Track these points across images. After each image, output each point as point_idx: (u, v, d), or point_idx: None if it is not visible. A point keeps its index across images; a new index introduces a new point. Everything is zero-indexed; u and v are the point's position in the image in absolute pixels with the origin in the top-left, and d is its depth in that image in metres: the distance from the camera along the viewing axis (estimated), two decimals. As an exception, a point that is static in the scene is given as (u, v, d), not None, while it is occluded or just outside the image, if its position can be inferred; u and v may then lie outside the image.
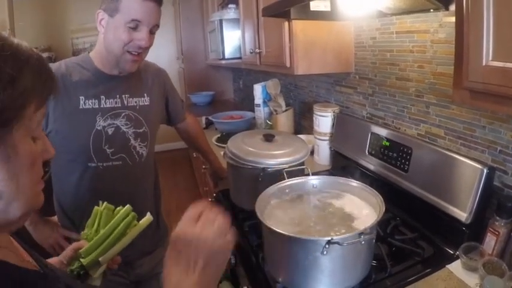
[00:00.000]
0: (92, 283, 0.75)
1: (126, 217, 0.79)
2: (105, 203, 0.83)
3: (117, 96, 1.14)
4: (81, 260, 0.74)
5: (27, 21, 4.38)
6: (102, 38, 1.08)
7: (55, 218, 1.22)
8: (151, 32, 1.08)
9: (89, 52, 1.16)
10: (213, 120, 2.56)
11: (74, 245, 0.81)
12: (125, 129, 1.16)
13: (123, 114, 1.15)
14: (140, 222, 0.81)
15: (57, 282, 0.57)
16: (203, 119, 2.79)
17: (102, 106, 1.12)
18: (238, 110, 2.89)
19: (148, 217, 0.82)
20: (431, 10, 1.03)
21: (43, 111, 0.51)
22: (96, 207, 0.83)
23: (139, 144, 1.19)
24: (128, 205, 0.82)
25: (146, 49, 1.10)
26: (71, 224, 1.18)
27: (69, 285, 0.61)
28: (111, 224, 0.78)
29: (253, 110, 2.50)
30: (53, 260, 0.77)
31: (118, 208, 0.83)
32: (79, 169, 1.12)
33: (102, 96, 1.11)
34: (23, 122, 0.46)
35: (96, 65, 1.12)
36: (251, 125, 2.50)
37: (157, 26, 1.08)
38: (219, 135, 2.34)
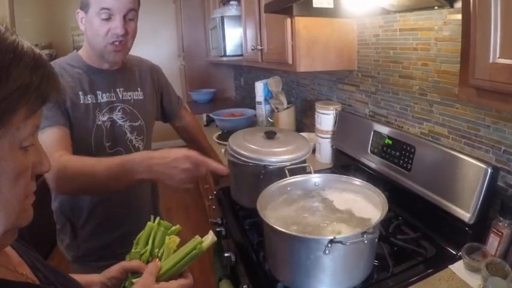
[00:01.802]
0: None
1: (195, 248, 0.72)
2: (158, 218, 0.78)
3: (112, 90, 1.15)
4: (134, 281, 0.69)
5: (28, 18, 4.38)
6: (85, 36, 1.09)
7: None
8: (129, 19, 1.06)
9: (77, 50, 1.16)
10: (214, 117, 2.55)
11: (122, 265, 0.73)
12: (121, 123, 1.16)
13: (119, 107, 1.16)
14: (204, 244, 0.74)
15: None
16: (204, 116, 2.78)
17: (99, 101, 1.12)
18: (240, 108, 2.87)
19: (212, 237, 0.75)
20: (436, 7, 1.02)
21: (37, 121, 0.45)
22: (149, 223, 0.77)
23: (135, 138, 1.20)
24: (197, 236, 0.74)
25: (128, 37, 1.07)
26: (68, 223, 1.17)
27: None
28: (180, 252, 0.72)
29: (254, 108, 2.49)
30: (91, 279, 0.72)
31: (174, 228, 0.77)
32: None
33: (98, 92, 1.12)
34: (7, 129, 0.41)
35: (85, 60, 1.13)
36: (252, 123, 2.49)
37: (133, 10, 1.06)
38: (220, 133, 2.34)
